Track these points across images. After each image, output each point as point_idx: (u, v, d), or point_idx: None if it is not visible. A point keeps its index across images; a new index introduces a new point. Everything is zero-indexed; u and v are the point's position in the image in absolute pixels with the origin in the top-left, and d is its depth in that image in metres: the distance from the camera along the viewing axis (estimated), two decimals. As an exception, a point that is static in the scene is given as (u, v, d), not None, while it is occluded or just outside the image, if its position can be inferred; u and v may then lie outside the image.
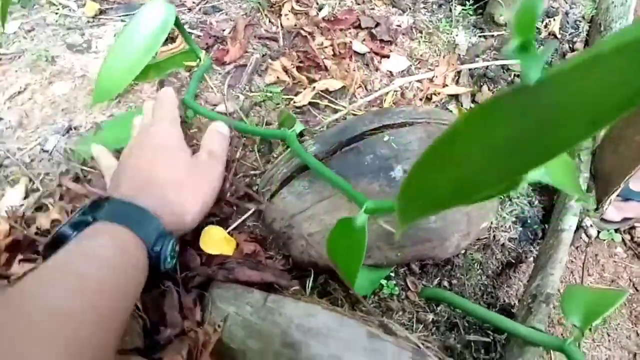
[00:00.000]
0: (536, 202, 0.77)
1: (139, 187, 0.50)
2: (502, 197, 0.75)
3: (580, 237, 0.92)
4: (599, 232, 0.92)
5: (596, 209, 0.73)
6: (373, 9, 1.01)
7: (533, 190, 0.78)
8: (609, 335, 0.88)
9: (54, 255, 0.39)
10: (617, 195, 0.85)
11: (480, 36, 0.94)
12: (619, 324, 0.89)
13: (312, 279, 0.58)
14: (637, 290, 0.95)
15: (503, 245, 0.71)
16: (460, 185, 0.30)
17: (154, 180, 0.51)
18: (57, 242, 0.43)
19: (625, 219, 0.90)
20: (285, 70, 0.85)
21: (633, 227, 0.96)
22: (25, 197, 0.69)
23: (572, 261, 0.93)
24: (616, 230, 0.94)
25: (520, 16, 0.28)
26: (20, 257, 0.57)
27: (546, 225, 0.75)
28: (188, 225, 0.53)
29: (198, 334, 0.52)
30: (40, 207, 0.67)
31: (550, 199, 0.77)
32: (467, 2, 0.99)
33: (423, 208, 0.33)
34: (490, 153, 0.28)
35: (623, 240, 0.97)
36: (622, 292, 0.50)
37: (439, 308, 0.61)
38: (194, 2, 1.00)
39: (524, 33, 0.28)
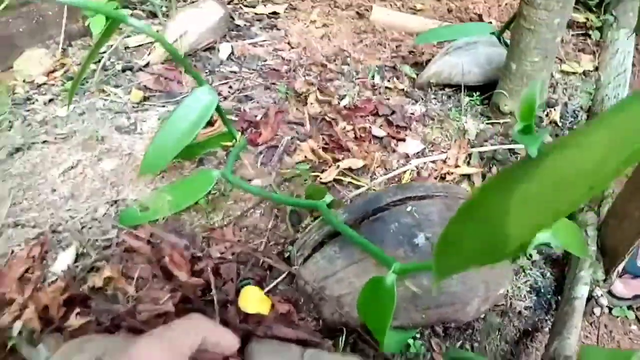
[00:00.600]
0: (548, 274, 0.82)
1: None
2: (516, 268, 0.81)
3: (593, 313, 0.95)
4: (610, 308, 0.95)
5: (605, 280, 0.78)
6: (389, 99, 1.12)
7: (545, 263, 0.83)
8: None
9: None
10: (627, 273, 0.90)
11: (487, 123, 1.04)
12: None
13: (344, 337, 0.62)
14: (653, 367, 0.96)
15: (519, 313, 0.75)
16: (485, 243, 0.35)
17: None
18: None
19: (636, 296, 0.93)
20: (312, 150, 0.94)
21: (645, 304, 0.99)
22: (76, 261, 0.76)
23: (587, 336, 0.95)
24: (629, 308, 0.97)
25: (523, 106, 0.36)
26: (77, 310, 0.62)
27: (559, 297, 0.80)
28: None
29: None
30: (91, 269, 0.73)
31: (561, 271, 0.82)
32: (474, 94, 1.10)
33: (457, 264, 0.38)
34: (506, 216, 0.34)
35: (637, 317, 0.99)
36: (633, 352, 0.54)
37: (462, 369, 0.64)
38: (229, 91, 1.12)
39: (525, 119, 0.37)
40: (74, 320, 0.61)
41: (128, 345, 0.37)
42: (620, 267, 0.77)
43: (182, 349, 0.37)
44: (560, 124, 1.09)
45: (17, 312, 0.63)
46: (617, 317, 0.97)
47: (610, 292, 0.89)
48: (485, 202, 0.34)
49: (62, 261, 0.74)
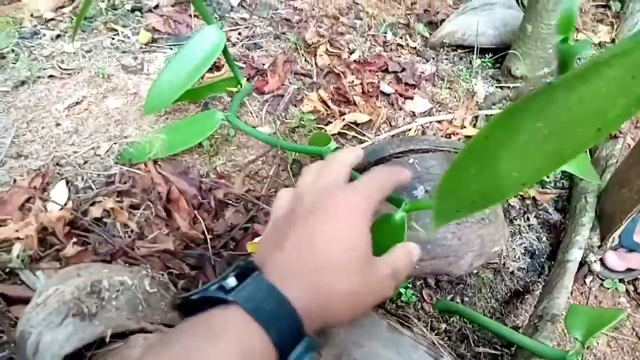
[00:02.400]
0: (544, 238, 0.82)
1: (299, 267, 0.37)
2: (513, 229, 0.81)
3: (585, 283, 0.96)
4: (602, 280, 0.96)
5: (600, 246, 0.78)
6: (400, 56, 1.10)
7: (542, 227, 0.84)
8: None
9: (174, 334, 0.33)
10: (622, 246, 0.90)
11: (497, 86, 1.03)
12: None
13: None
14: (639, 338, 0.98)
15: (512, 273, 0.76)
16: (488, 187, 0.35)
17: (321, 267, 0.37)
18: (184, 305, 0.36)
19: (628, 270, 0.94)
20: (322, 100, 0.93)
21: (637, 279, 1.00)
22: (77, 193, 0.76)
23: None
24: (620, 281, 0.98)
25: (562, 17, 0.35)
26: (74, 240, 0.63)
27: (552, 262, 0.80)
28: (322, 327, 0.39)
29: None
30: (93, 203, 0.73)
31: (557, 237, 0.83)
32: (486, 55, 1.08)
33: (458, 209, 0.37)
34: (513, 156, 0.32)
35: (627, 290, 1.00)
36: (620, 310, 0.55)
37: (451, 319, 0.65)
38: (237, 38, 1.11)
39: (564, 31, 0.36)
40: (71, 249, 0.62)
41: None
42: (616, 234, 0.77)
43: (376, 202, 0.41)
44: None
45: (17, 234, 0.64)
46: (608, 288, 0.98)
47: (603, 264, 0.90)
48: (490, 142, 0.33)
49: (63, 192, 0.75)
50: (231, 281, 0.35)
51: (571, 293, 0.87)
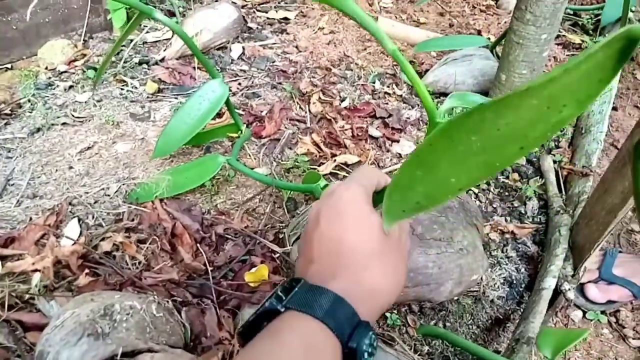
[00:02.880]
0: (522, 269, 0.88)
1: (331, 266, 0.42)
2: (493, 261, 0.87)
3: (568, 315, 1.01)
4: (585, 312, 1.01)
5: (573, 275, 0.84)
6: (387, 103, 1.19)
7: (520, 259, 0.89)
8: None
9: (242, 352, 0.37)
10: (602, 279, 0.96)
11: (477, 130, 1.11)
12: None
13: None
14: (623, 369, 1.02)
15: (492, 301, 0.81)
16: (431, 190, 0.38)
17: (347, 257, 0.42)
18: (250, 329, 0.39)
19: (609, 302, 0.99)
20: (315, 143, 1.01)
21: (618, 310, 1.05)
22: (89, 229, 0.83)
23: (560, 335, 1.01)
24: (602, 312, 1.03)
25: None
26: (86, 271, 0.69)
27: (530, 291, 0.86)
28: (380, 312, 0.43)
29: (231, 344, 0.62)
30: (103, 239, 0.79)
31: (535, 268, 0.89)
32: (466, 103, 1.17)
33: (403, 209, 0.41)
34: (452, 164, 0.36)
35: (609, 322, 1.05)
36: (584, 330, 0.61)
37: (434, 342, 0.70)
38: (238, 88, 1.20)
39: None
40: (83, 279, 0.68)
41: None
42: (587, 264, 0.83)
43: (370, 190, 0.46)
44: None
45: (34, 266, 0.69)
46: (591, 320, 1.03)
47: (585, 297, 0.95)
48: (434, 149, 0.36)
49: (76, 229, 0.81)
50: (280, 295, 0.39)
51: (555, 324, 0.92)
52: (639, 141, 0.32)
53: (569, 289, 0.80)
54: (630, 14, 1.55)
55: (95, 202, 0.88)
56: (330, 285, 0.39)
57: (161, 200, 0.86)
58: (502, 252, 0.89)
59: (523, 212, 0.97)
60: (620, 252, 0.94)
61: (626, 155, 0.73)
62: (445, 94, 1.19)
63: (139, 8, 0.75)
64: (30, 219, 0.84)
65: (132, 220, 0.83)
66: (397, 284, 0.44)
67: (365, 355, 0.38)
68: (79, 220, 0.84)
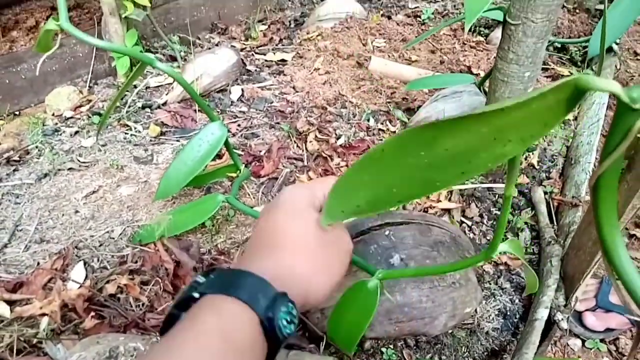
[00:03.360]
0: (517, 301, 0.90)
1: (257, 251, 0.43)
2: (487, 293, 0.89)
3: (567, 345, 1.02)
4: (584, 340, 1.02)
5: (565, 305, 0.85)
6: (381, 140, 1.23)
7: (514, 291, 0.91)
8: None
9: (160, 342, 0.36)
10: (599, 307, 0.98)
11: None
12: None
13: (324, 342, 0.71)
14: (624, 397, 1.02)
15: (487, 333, 0.83)
16: (372, 196, 0.39)
17: (276, 243, 0.43)
18: (169, 323, 0.38)
19: (608, 329, 1.00)
20: (310, 180, 1.04)
21: (617, 338, 1.06)
22: (94, 272, 0.85)
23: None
24: (601, 341, 1.04)
25: None
26: (92, 314, 0.72)
27: (525, 322, 0.87)
28: (305, 304, 0.43)
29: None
30: (107, 282, 0.82)
31: (529, 298, 0.91)
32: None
33: (347, 210, 0.42)
34: (398, 175, 0.37)
35: (609, 350, 1.06)
36: (574, 358, 0.62)
37: (429, 376, 0.72)
38: (237, 129, 1.25)
39: None
40: (89, 322, 0.70)
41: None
42: (578, 294, 0.85)
43: (319, 195, 0.47)
44: (537, 167, 1.19)
45: (42, 310, 0.72)
46: (591, 349, 1.04)
47: (583, 325, 0.96)
48: (385, 156, 0.36)
49: (81, 272, 0.84)
50: (199, 279, 0.39)
51: (554, 354, 0.93)
52: (595, 185, 0.34)
53: (562, 319, 0.82)
54: (615, 47, 1.61)
55: (100, 245, 0.91)
56: (250, 267, 0.39)
57: (163, 241, 0.89)
58: (496, 283, 0.91)
59: (516, 243, 0.99)
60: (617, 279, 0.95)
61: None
62: (437, 129, 1.23)
63: (141, 59, 0.80)
64: (38, 263, 0.87)
65: (136, 262, 0.85)
66: (328, 280, 0.44)
67: (284, 322, 0.37)
68: (85, 263, 0.87)
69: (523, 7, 0.90)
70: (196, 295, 0.37)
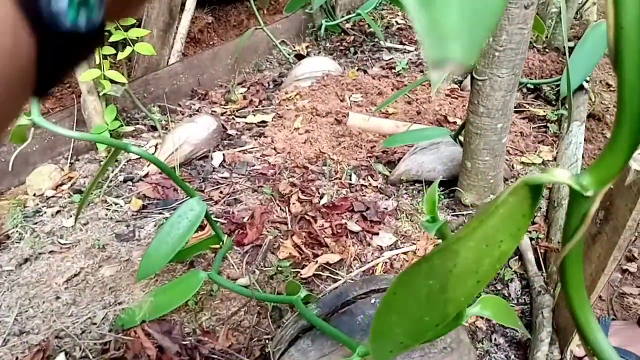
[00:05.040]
0: (512, 357, 0.87)
1: None
2: (482, 352, 0.87)
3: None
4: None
5: (561, 359, 0.83)
6: (364, 195, 1.24)
7: (509, 346, 0.89)
8: None
9: None
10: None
11: (453, 215, 1.15)
12: None
13: None
14: None
15: (486, 395, 0.80)
16: (409, 330, 0.42)
17: None
18: None
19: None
20: (296, 246, 1.03)
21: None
22: (75, 363, 0.83)
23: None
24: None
25: (427, 202, 0.47)
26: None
27: (526, 378, 0.85)
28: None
29: None
30: (89, 371, 0.80)
31: (525, 353, 0.88)
32: (440, 188, 1.22)
33: (391, 349, 0.46)
34: (420, 305, 0.42)
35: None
36: None
37: None
38: (219, 196, 1.24)
39: (430, 212, 0.47)
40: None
41: None
42: (573, 347, 0.83)
43: None
44: (521, 212, 1.19)
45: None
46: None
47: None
48: (398, 297, 0.40)
49: (63, 365, 0.81)
50: None
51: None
52: (560, 266, 0.34)
53: (560, 375, 0.80)
54: (586, 85, 1.65)
55: (82, 333, 0.89)
56: None
57: (144, 325, 0.87)
58: (490, 340, 0.89)
59: (506, 294, 0.98)
60: (613, 319, 0.93)
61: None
62: (418, 181, 1.24)
63: (114, 145, 0.81)
64: (17, 358, 0.84)
65: (118, 349, 0.83)
66: None
67: (70, 16, 0.22)
68: (66, 354, 0.85)
69: (488, 63, 0.92)
70: None
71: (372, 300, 0.76)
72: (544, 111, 1.63)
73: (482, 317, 0.93)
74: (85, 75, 1.28)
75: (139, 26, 1.45)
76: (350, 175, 1.30)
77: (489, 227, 0.32)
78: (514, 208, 0.32)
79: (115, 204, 1.23)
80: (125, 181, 1.32)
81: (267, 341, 0.85)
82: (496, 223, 0.32)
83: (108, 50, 1.31)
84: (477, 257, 0.35)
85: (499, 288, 0.99)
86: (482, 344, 0.87)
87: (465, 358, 0.76)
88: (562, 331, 0.83)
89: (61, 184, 1.33)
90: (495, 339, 0.89)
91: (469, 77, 1.74)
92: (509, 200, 0.31)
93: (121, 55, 1.33)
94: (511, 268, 1.02)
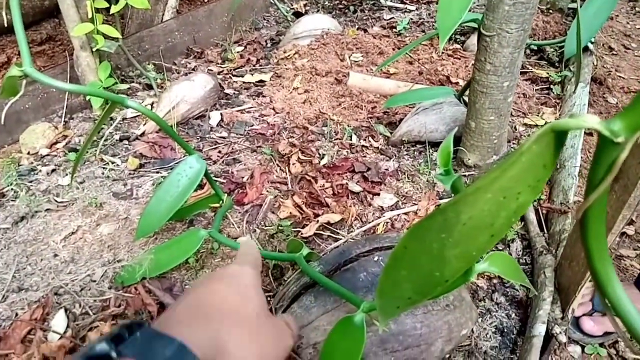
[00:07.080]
0: (513, 315, 0.88)
1: (189, 317, 0.39)
2: (483, 310, 0.87)
3: (568, 352, 1.00)
4: (583, 346, 1.00)
5: (562, 318, 0.84)
6: (365, 156, 1.22)
7: (510, 305, 0.89)
8: None
9: None
10: (596, 311, 0.96)
11: (455, 176, 1.13)
12: None
13: (319, 380, 0.68)
14: (629, 402, 1.00)
15: (485, 352, 0.81)
16: (419, 285, 0.42)
17: (212, 313, 0.40)
18: None
19: (607, 333, 0.99)
20: (297, 205, 1.02)
21: (617, 342, 1.04)
22: (76, 320, 0.82)
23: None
24: (601, 345, 1.02)
25: (441, 154, 0.45)
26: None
27: (523, 336, 0.85)
28: None
29: None
30: (90, 329, 0.79)
31: (525, 312, 0.89)
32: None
33: (398, 305, 0.44)
34: (431, 260, 0.41)
35: (609, 354, 1.04)
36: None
37: (429, 405, 0.69)
38: (218, 156, 1.22)
39: (444, 165, 0.45)
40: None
41: None
42: (574, 305, 0.83)
43: (257, 269, 0.50)
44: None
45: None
46: (591, 354, 1.02)
47: (581, 330, 0.95)
48: (409, 252, 0.39)
49: (62, 321, 0.81)
50: (115, 338, 0.34)
51: (554, 363, 0.91)
52: (582, 217, 0.33)
53: (560, 332, 0.80)
54: (591, 46, 1.61)
55: (81, 290, 0.88)
56: (179, 334, 0.35)
57: (144, 282, 0.86)
58: (491, 299, 0.89)
59: (508, 254, 0.98)
60: None
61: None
62: (421, 142, 1.22)
63: (110, 99, 0.78)
64: (16, 314, 0.84)
65: (119, 306, 0.82)
66: None
67: None
68: (66, 310, 0.84)
69: (497, 18, 0.89)
70: (113, 354, 0.33)
71: (375, 258, 0.75)
72: (547, 73, 1.60)
73: (483, 276, 0.93)
74: (77, 30, 1.23)
75: (132, -21, 1.39)
76: (351, 136, 1.28)
77: (508, 177, 0.31)
78: (537, 157, 0.30)
79: (112, 163, 1.21)
80: (121, 140, 1.29)
81: (269, 298, 0.84)
82: (517, 173, 0.31)
83: (101, 3, 1.25)
84: (493, 209, 0.34)
85: (500, 248, 0.99)
86: (484, 302, 0.88)
87: (467, 316, 0.76)
88: (564, 291, 0.83)
89: (55, 143, 1.31)
90: (496, 298, 0.89)
91: (471, 37, 1.70)
92: (532, 148, 0.29)
93: (114, 9, 1.28)
94: (513, 229, 1.02)
